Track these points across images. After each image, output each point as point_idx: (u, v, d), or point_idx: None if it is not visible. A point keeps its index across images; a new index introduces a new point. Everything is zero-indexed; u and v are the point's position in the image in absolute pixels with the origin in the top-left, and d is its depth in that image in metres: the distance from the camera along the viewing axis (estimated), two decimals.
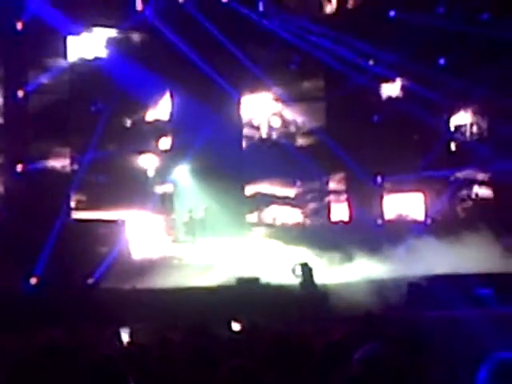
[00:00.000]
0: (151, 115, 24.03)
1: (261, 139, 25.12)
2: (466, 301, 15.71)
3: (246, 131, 25.17)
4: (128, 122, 23.47)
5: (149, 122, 23.81)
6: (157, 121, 23.96)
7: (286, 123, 25.85)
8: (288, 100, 25.44)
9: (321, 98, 25.96)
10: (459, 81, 24.42)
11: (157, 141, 23.68)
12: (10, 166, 21.05)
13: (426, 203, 26.84)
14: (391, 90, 26.27)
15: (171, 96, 24.04)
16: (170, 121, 24.01)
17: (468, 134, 26.47)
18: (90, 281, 18.77)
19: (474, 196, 26.16)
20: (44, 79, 21.53)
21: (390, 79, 25.92)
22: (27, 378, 2.96)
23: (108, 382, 3.88)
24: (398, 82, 25.99)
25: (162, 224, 23.88)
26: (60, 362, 4.80)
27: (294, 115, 25.71)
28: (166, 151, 23.66)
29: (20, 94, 21.13)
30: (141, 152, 23.28)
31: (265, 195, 25.17)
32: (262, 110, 25.64)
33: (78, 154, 21.99)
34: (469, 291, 17.45)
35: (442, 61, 25.93)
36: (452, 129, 26.67)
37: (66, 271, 18.52)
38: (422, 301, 17.23)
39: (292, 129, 25.84)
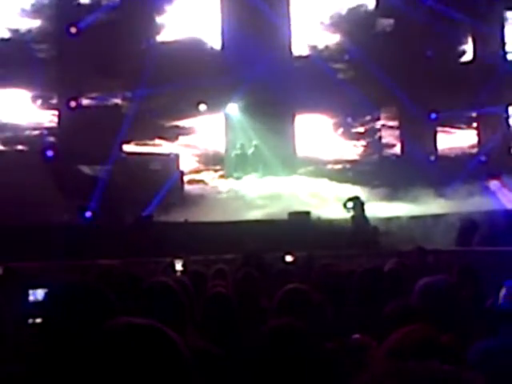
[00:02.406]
0: (202, 53, 23.98)
1: (312, 73, 24.87)
2: None
3: (296, 64, 24.99)
4: (180, 58, 23.47)
5: (201, 59, 23.75)
6: (208, 57, 23.90)
7: (337, 54, 25.57)
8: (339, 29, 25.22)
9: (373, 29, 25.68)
10: None
11: (209, 77, 23.64)
12: (64, 102, 21.27)
13: (480, 140, 26.57)
14: (445, 25, 25.82)
15: (222, 32, 23.96)
16: (222, 56, 23.92)
17: None
18: (144, 213, 19.02)
19: None
20: (96, 16, 21.60)
21: (444, 14, 25.46)
22: (83, 301, 3.04)
23: (164, 307, 3.98)
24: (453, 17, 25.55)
25: (212, 158, 24.02)
26: (117, 287, 4.91)
27: (346, 46, 25.40)
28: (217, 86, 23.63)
29: (73, 30, 21.23)
30: (192, 88, 23.26)
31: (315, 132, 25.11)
32: (313, 39, 25.46)
33: (130, 90, 22.11)
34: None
35: None
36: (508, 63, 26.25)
37: (120, 204, 18.77)
38: (474, 236, 17.15)
39: (343, 61, 25.55)
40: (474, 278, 6.08)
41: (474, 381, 0.97)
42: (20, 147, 21.00)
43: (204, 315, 5.26)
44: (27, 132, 21.28)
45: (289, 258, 11.91)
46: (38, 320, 3.44)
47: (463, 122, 26.66)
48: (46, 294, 3.45)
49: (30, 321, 4.40)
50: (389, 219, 18.34)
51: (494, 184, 21.01)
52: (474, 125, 26.86)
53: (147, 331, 1.91)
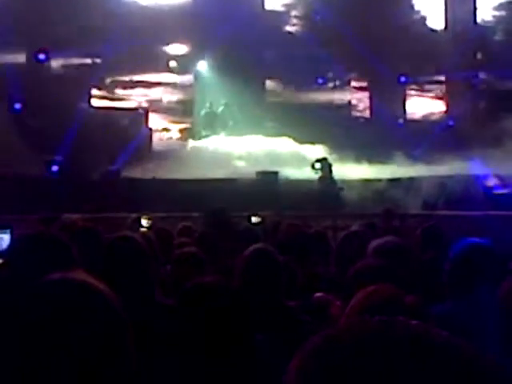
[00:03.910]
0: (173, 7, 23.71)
1: (284, 33, 24.75)
2: (484, 202, 15.77)
3: (269, 24, 24.82)
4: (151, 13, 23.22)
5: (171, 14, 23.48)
6: (180, 13, 23.61)
7: (308, 15, 25.37)
8: None
9: None
10: None
11: (179, 32, 23.38)
12: (32, 55, 21.01)
13: (448, 104, 26.67)
14: None
15: None
16: (194, 11, 23.67)
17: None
18: (111, 169, 18.92)
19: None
20: None
21: None
22: (47, 254, 3.03)
23: (130, 261, 3.97)
24: None
25: (182, 116, 23.89)
26: (80, 241, 4.87)
27: (316, 6, 25.18)
28: (188, 42, 23.41)
29: None
30: (164, 41, 23.04)
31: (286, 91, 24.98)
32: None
33: (99, 44, 21.80)
34: (488, 193, 17.50)
35: None
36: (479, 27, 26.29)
37: (87, 159, 18.65)
38: (440, 200, 17.31)
39: (316, 22, 25.38)
40: (437, 240, 6.12)
41: (441, 336, 0.97)
42: None
43: (174, 273, 5.26)
44: None
45: (255, 220, 11.89)
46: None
47: (432, 86, 26.72)
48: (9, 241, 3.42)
49: None
50: (357, 181, 18.44)
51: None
52: (443, 89, 26.92)
53: (78, 287, 1.93)
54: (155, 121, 22.98)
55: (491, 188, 17.61)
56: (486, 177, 18.02)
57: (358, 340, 0.96)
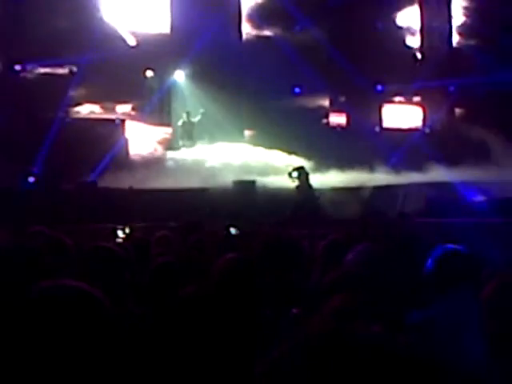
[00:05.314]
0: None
1: (261, 40, 24.76)
2: (458, 209, 15.85)
3: (246, 31, 24.86)
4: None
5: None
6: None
7: (287, 24, 25.33)
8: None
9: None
10: None
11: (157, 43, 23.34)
12: (8, 66, 20.92)
13: (425, 113, 26.80)
14: None
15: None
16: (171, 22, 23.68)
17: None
18: (88, 179, 18.86)
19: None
20: None
21: None
22: (22, 264, 3.03)
23: (106, 270, 3.97)
24: None
25: (159, 125, 23.82)
26: (56, 254, 4.87)
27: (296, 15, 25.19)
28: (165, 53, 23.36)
29: None
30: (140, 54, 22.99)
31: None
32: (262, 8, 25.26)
33: (76, 54, 21.72)
34: (462, 200, 17.59)
35: None
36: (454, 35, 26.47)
37: (64, 170, 18.57)
38: (416, 208, 17.38)
39: (294, 31, 25.37)
40: (410, 247, 6.14)
41: (404, 343, 0.99)
42: None
43: (150, 282, 5.25)
44: None
45: (233, 231, 11.82)
46: None
47: (409, 95, 26.82)
48: None
49: None
50: (334, 189, 18.48)
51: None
52: (420, 97, 27.04)
53: (74, 293, 1.93)
54: (132, 131, 22.89)
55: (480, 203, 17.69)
56: (473, 195, 18.10)
57: (313, 347, 0.98)
